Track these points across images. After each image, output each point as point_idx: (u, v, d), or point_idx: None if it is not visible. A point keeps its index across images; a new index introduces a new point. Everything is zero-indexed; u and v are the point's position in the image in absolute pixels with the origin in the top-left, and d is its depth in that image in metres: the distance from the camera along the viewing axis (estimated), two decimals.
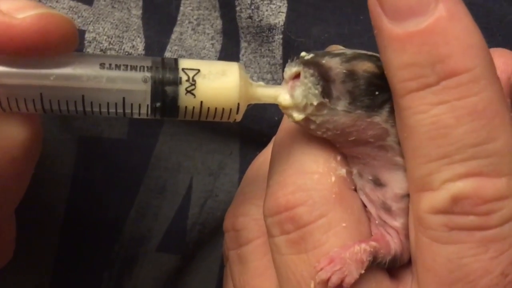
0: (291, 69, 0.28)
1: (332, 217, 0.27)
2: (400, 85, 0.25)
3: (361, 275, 0.27)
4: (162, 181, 0.40)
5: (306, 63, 0.27)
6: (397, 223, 0.29)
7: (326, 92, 0.27)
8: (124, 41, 0.39)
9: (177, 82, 0.27)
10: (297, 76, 0.28)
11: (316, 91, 0.27)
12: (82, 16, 0.39)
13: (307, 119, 0.27)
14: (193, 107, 0.27)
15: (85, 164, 0.40)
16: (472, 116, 0.24)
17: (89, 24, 0.38)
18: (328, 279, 0.26)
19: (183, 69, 0.27)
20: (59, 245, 0.40)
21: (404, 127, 0.26)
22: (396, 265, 0.29)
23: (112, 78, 0.26)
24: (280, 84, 0.29)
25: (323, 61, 0.27)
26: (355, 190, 0.29)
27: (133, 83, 0.26)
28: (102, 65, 0.26)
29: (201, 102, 0.27)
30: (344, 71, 0.27)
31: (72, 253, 0.40)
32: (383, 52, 0.25)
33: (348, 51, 0.28)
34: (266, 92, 0.28)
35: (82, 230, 0.40)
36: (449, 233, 0.25)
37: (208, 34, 0.41)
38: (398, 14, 0.24)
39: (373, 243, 0.27)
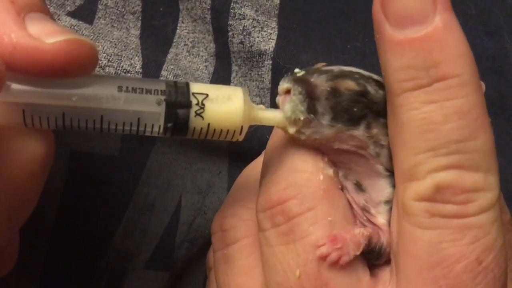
0: (283, 85, 0.30)
1: (319, 210, 0.29)
2: (397, 85, 0.27)
3: (344, 272, 0.29)
4: (151, 198, 0.41)
5: (296, 80, 0.30)
6: (380, 221, 0.31)
7: (311, 109, 0.29)
8: (122, 59, 0.40)
9: (188, 105, 0.28)
10: (289, 91, 0.30)
11: (303, 108, 0.29)
12: (83, 35, 0.39)
13: (298, 131, 0.30)
14: (201, 128, 0.29)
15: (75, 178, 0.40)
16: (457, 115, 0.27)
17: None
18: (327, 256, 0.28)
19: (193, 93, 0.28)
20: (46, 258, 0.40)
21: (397, 123, 0.28)
22: (381, 256, 0.31)
23: (129, 100, 0.27)
24: (269, 107, 0.31)
25: (311, 79, 0.29)
26: (342, 189, 0.31)
27: (147, 105, 0.28)
28: (120, 88, 0.27)
29: (209, 124, 0.29)
30: (328, 89, 0.29)
31: (59, 266, 0.41)
32: (383, 55, 0.28)
33: (335, 68, 0.30)
34: (267, 115, 0.30)
35: (70, 243, 0.41)
36: (430, 219, 0.27)
37: (202, 56, 0.43)
38: (400, 21, 0.27)
39: (368, 229, 0.30)
